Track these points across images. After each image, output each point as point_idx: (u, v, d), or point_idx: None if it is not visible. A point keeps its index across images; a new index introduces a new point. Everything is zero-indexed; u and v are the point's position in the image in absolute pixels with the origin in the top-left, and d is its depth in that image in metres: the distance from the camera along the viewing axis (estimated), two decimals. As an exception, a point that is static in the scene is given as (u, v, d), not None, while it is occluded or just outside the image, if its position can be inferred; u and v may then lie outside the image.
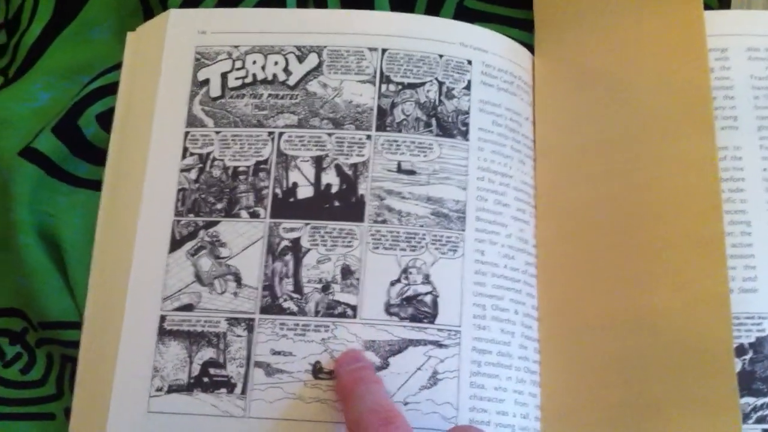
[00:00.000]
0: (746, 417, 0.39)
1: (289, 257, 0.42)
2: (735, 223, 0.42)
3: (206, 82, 0.45)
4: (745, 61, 0.45)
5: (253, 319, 0.41)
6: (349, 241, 0.42)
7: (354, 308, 0.41)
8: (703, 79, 0.43)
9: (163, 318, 0.41)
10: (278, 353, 0.40)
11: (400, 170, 0.43)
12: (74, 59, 0.50)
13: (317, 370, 0.40)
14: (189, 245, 0.42)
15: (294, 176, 0.43)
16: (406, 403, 0.39)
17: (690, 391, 0.39)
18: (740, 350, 0.40)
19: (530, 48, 0.48)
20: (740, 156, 0.43)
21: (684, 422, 0.39)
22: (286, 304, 0.41)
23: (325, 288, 0.41)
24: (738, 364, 0.40)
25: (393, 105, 0.44)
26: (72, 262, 0.45)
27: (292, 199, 0.43)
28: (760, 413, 0.40)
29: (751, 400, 0.40)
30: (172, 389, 0.40)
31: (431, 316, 0.41)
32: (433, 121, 0.44)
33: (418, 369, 0.40)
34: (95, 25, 0.51)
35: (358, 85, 0.44)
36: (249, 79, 0.45)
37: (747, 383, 0.40)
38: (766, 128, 0.43)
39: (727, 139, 0.43)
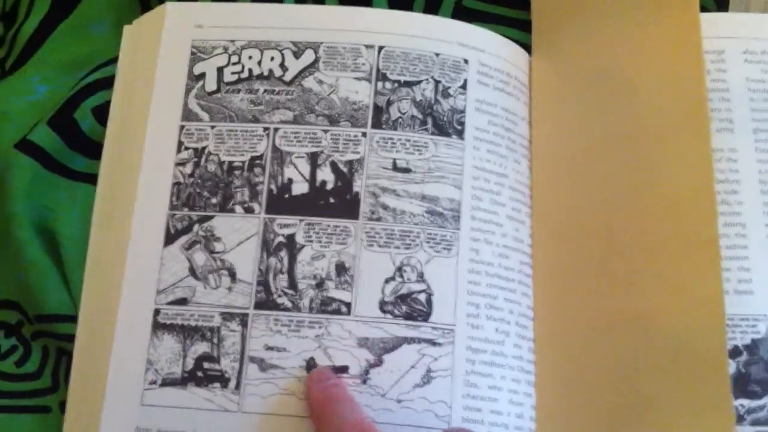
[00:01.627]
0: (741, 419, 0.39)
1: (283, 253, 0.42)
2: (730, 225, 0.42)
3: (202, 76, 0.45)
4: (741, 64, 0.45)
5: (247, 315, 0.41)
6: (344, 238, 0.42)
7: (348, 305, 0.41)
8: (698, 81, 0.43)
9: (157, 311, 0.41)
10: (272, 349, 0.40)
11: (395, 168, 0.43)
12: (72, 53, 0.50)
13: (311, 366, 0.40)
14: (184, 239, 0.42)
15: (289, 172, 0.43)
16: (399, 401, 0.39)
17: (684, 393, 0.39)
18: (735, 352, 0.40)
19: (527, 48, 0.48)
20: (736, 158, 0.43)
21: (678, 423, 0.39)
22: (280, 300, 0.41)
23: (320, 284, 0.41)
24: (732, 366, 0.40)
25: (389, 103, 0.44)
26: (68, 255, 0.45)
27: (287, 195, 0.43)
28: (754, 415, 0.40)
29: (745, 402, 0.40)
30: (166, 383, 0.40)
31: (425, 315, 0.41)
32: (429, 120, 0.44)
33: (412, 367, 0.40)
34: (94, 20, 0.51)
35: (354, 83, 0.44)
36: (245, 74, 0.45)
37: (742, 385, 0.40)
38: (761, 131, 0.43)
39: (722, 141, 0.43)
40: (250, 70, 0.45)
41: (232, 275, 0.42)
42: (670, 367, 0.39)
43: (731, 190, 0.42)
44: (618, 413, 0.40)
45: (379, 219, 0.42)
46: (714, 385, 0.39)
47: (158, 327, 0.41)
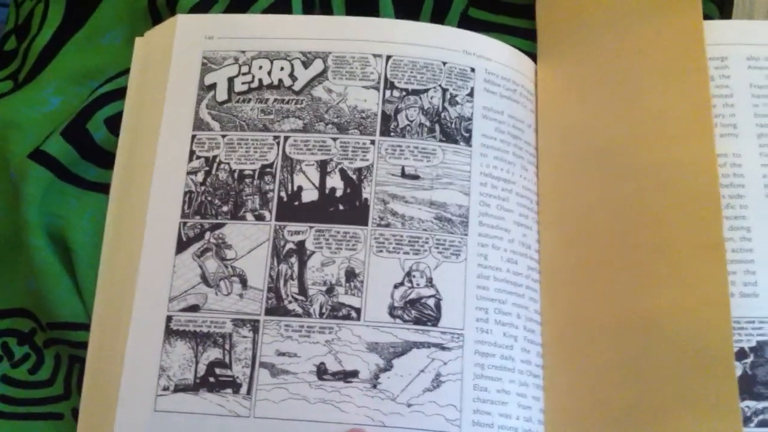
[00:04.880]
0: (747, 420, 0.40)
1: (294, 259, 0.42)
2: (735, 229, 0.42)
3: (213, 86, 0.45)
4: (744, 70, 0.45)
5: (258, 321, 0.41)
6: (353, 244, 0.42)
7: (358, 310, 0.41)
8: (702, 87, 0.43)
9: (169, 318, 0.42)
10: (283, 354, 0.41)
11: (403, 175, 0.43)
12: (84, 64, 0.51)
13: (322, 372, 0.40)
14: (195, 247, 0.43)
15: (299, 180, 0.43)
16: (409, 405, 0.40)
17: (691, 394, 0.39)
18: (741, 354, 0.41)
19: (533, 57, 0.49)
20: (740, 163, 0.43)
21: (685, 425, 0.39)
22: (290, 306, 0.42)
23: (330, 290, 0.42)
24: (739, 368, 0.40)
25: (397, 111, 0.44)
26: (81, 263, 0.45)
27: (297, 203, 0.43)
28: (761, 417, 0.40)
29: (752, 404, 0.40)
30: (178, 389, 0.41)
31: (434, 319, 0.41)
32: (437, 127, 0.44)
33: (422, 371, 0.40)
34: (105, 32, 0.52)
35: (363, 91, 0.45)
36: (255, 84, 0.45)
37: (748, 387, 0.40)
38: (765, 136, 0.44)
39: (726, 146, 0.44)
40: (260, 80, 0.45)
41: (243, 282, 0.42)
42: (677, 370, 0.40)
43: (736, 194, 0.43)
44: (625, 415, 0.40)
45: (388, 225, 0.42)
46: (721, 386, 0.39)
47: (170, 333, 0.41)
